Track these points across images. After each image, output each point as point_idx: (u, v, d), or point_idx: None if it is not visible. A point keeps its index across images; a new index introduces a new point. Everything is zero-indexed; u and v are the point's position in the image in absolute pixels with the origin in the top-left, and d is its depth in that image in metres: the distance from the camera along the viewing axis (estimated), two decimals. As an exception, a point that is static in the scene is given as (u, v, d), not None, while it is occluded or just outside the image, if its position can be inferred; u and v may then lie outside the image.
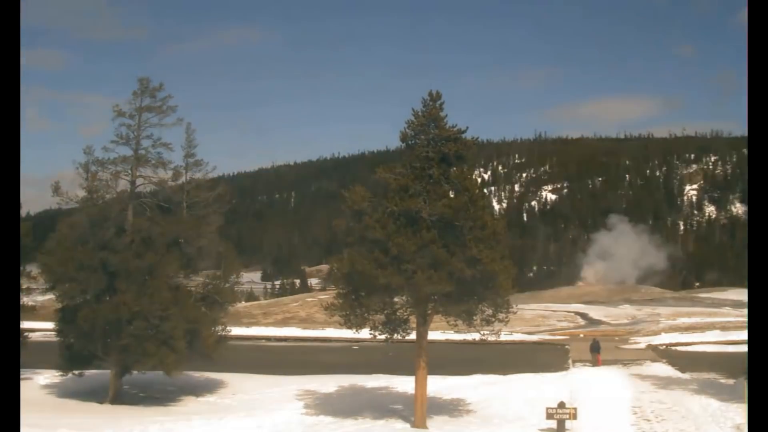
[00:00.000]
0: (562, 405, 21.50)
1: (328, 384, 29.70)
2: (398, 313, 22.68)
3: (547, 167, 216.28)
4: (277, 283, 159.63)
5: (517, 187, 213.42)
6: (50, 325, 28.06)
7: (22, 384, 17.10)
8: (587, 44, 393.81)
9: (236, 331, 33.39)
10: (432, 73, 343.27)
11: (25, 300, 28.27)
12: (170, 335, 24.81)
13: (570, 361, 37.83)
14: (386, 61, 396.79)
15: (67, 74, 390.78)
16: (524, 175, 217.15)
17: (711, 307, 72.64)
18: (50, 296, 28.76)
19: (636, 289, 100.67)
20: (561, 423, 21.07)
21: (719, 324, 55.65)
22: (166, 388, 27.67)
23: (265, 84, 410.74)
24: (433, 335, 30.81)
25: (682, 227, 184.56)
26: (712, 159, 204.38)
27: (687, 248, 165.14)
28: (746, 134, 14.84)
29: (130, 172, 26.78)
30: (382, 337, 22.89)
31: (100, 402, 25.81)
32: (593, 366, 36.20)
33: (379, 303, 22.00)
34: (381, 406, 25.16)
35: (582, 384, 30.08)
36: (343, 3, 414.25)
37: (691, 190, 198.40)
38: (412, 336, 23.00)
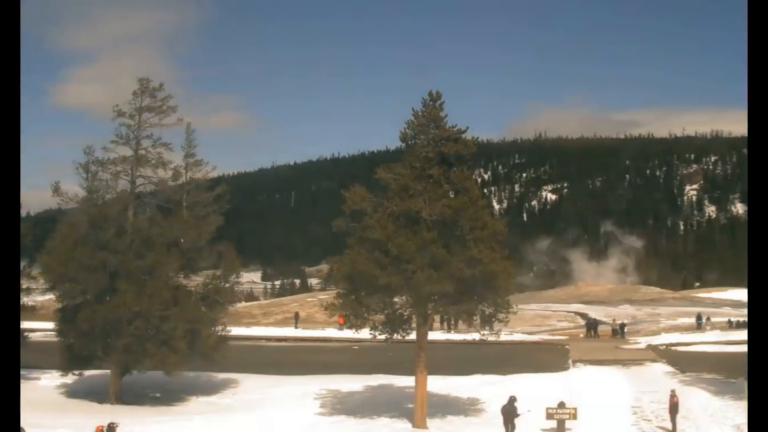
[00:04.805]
0: (562, 405, 21.50)
1: (329, 384, 29.68)
2: (398, 313, 22.68)
3: (547, 167, 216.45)
4: (277, 283, 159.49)
5: (517, 187, 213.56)
6: (50, 325, 28.03)
7: (23, 384, 17.10)
8: (588, 44, 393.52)
9: (236, 331, 33.34)
10: (432, 73, 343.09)
11: (25, 300, 28.25)
12: (170, 335, 24.81)
13: (570, 361, 37.78)
14: (386, 61, 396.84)
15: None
16: (524, 175, 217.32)
17: (711, 307, 72.55)
18: (50, 296, 28.74)
19: (636, 289, 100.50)
20: (561, 423, 21.07)
21: (719, 324, 55.59)
22: (167, 388, 27.66)
23: (266, 83, 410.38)
24: (433, 335, 30.79)
25: (682, 227, 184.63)
26: (712, 159, 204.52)
27: (687, 248, 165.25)
28: (746, 134, 14.84)
29: (130, 172, 26.76)
30: (382, 337, 22.89)
31: (101, 402, 25.80)
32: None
33: (379, 303, 22.00)
34: (381, 405, 25.15)
35: (582, 384, 30.06)
36: (345, 1, 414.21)
37: (691, 190, 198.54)
38: (412, 336, 23.00)
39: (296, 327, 52.11)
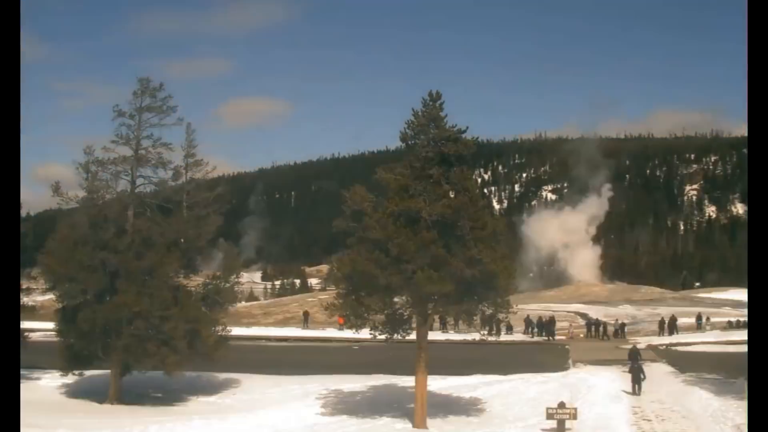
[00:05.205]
0: (562, 405, 21.48)
1: (329, 384, 29.70)
2: (398, 313, 22.69)
3: (547, 167, 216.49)
4: (277, 283, 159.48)
5: (517, 187, 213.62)
6: (50, 325, 28.04)
7: (23, 384, 17.11)
8: (587, 44, 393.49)
9: (236, 331, 33.36)
10: (432, 73, 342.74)
11: (25, 300, 28.25)
12: (171, 335, 24.81)
13: (570, 361, 37.83)
14: (387, 60, 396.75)
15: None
16: (524, 175, 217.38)
17: (711, 307, 72.60)
18: (50, 296, 28.75)
19: (636, 289, 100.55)
20: (561, 423, 21.05)
21: (719, 324, 55.64)
22: (167, 388, 27.67)
23: (266, 82, 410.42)
24: (433, 335, 30.81)
25: (682, 227, 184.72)
26: (712, 159, 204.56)
27: (687, 248, 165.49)
28: (746, 134, 14.84)
29: (130, 172, 26.76)
30: (382, 337, 22.90)
31: (100, 402, 25.81)
32: None
33: (379, 303, 21.99)
34: (381, 406, 25.16)
35: (582, 384, 30.09)
36: (345, 3, 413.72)
37: (691, 190, 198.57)
38: (412, 336, 23.01)
39: (305, 327, 52.09)
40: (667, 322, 51.46)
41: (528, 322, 51.96)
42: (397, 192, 21.59)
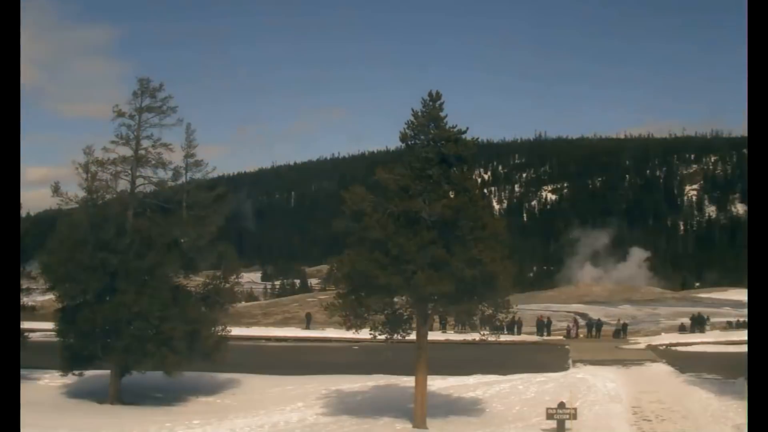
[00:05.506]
0: (562, 405, 21.49)
1: (329, 384, 29.70)
2: (398, 313, 22.69)
3: (547, 167, 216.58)
4: (277, 283, 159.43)
5: (517, 187, 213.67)
6: (50, 325, 28.04)
7: (23, 384, 17.07)
8: (588, 44, 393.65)
9: (236, 331, 33.37)
10: (433, 73, 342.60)
11: (25, 300, 28.24)
12: (170, 335, 24.82)
13: (570, 361, 37.83)
14: (387, 60, 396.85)
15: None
16: (524, 175, 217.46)
17: (711, 307, 72.57)
18: (50, 296, 28.75)
19: (636, 289, 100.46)
20: (561, 423, 21.05)
21: (719, 324, 55.63)
22: (166, 389, 27.66)
23: (266, 81, 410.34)
24: (433, 335, 30.82)
25: (682, 227, 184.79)
26: (712, 159, 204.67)
27: (687, 248, 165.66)
28: (746, 134, 14.81)
29: (130, 172, 26.76)
30: (382, 337, 22.90)
31: (100, 402, 25.81)
32: None
33: (379, 303, 22.00)
34: (381, 406, 25.16)
35: (582, 384, 30.09)
36: (345, 2, 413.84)
37: (691, 190, 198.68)
38: (413, 336, 23.01)
39: (307, 327, 52.12)
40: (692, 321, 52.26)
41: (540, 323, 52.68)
42: (397, 192, 21.59)
